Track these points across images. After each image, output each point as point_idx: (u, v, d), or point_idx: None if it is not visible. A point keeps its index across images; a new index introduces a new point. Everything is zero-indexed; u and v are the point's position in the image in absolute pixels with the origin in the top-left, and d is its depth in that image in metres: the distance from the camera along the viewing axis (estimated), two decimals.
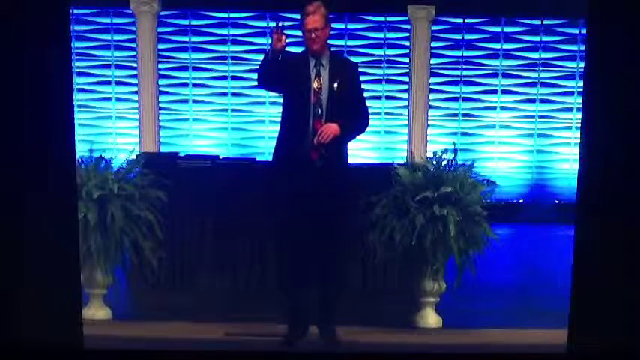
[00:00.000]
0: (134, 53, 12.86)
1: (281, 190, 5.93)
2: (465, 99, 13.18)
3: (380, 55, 12.84)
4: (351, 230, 6.30)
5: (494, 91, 13.16)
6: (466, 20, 13.03)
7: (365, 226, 6.58)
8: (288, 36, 5.85)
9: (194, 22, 12.99)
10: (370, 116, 6.16)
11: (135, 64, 12.86)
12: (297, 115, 5.92)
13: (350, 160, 6.12)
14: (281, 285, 6.14)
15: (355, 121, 6.02)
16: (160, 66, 12.93)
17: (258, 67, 6.04)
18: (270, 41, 6.62)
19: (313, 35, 5.90)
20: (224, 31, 12.93)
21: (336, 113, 5.91)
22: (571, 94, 13.07)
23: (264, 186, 6.22)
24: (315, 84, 5.92)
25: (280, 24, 5.88)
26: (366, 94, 6.38)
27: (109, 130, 13.03)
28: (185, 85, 13.07)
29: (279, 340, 5.95)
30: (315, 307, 6.08)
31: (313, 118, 5.89)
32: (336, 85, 5.93)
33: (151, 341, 5.91)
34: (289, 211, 5.90)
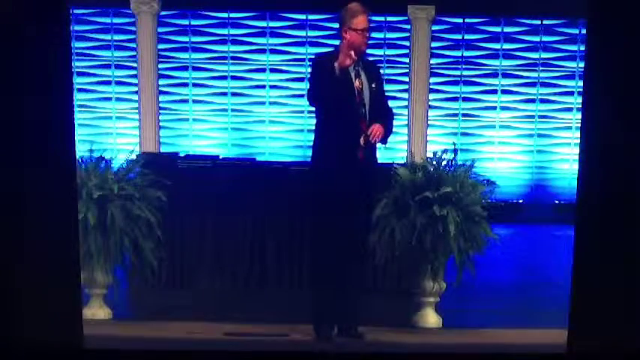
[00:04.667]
0: (134, 53, 12.86)
1: (332, 189, 5.90)
2: (465, 99, 13.19)
3: (380, 55, 12.83)
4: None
5: (495, 91, 13.16)
6: (466, 20, 13.03)
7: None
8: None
9: (194, 22, 12.99)
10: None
11: (135, 64, 12.86)
12: (345, 115, 5.92)
13: None
14: (317, 285, 6.06)
15: (390, 120, 6.11)
16: (160, 66, 12.93)
17: (311, 83, 5.96)
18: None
19: (368, 34, 5.99)
20: (224, 31, 12.93)
21: (376, 112, 5.98)
22: (571, 94, 13.07)
23: (312, 185, 6.09)
24: (356, 84, 5.96)
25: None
26: None
27: (109, 130, 13.04)
28: (185, 85, 13.06)
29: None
30: (338, 305, 6.04)
31: (358, 118, 5.94)
32: (374, 85, 6.02)
33: (151, 341, 5.90)
34: (336, 210, 5.88)
